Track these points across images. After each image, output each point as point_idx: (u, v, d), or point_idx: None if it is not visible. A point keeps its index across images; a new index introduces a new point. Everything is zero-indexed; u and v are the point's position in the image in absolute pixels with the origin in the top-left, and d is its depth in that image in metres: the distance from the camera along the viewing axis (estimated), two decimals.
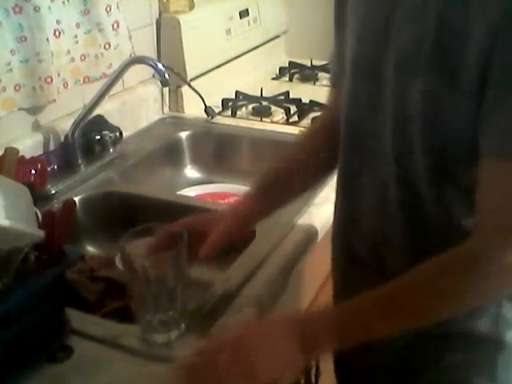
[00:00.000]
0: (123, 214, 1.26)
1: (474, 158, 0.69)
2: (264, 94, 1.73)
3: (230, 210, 0.96)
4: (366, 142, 0.83)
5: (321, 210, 1.17)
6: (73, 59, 1.36)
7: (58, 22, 1.29)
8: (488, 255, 0.67)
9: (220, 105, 1.68)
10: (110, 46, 1.43)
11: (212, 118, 1.61)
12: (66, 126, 1.34)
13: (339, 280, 0.95)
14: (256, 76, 1.90)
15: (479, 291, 0.71)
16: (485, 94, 0.67)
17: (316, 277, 1.19)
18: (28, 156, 1.20)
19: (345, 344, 0.73)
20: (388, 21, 0.76)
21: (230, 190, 1.43)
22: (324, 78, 1.89)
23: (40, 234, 0.77)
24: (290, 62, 2.04)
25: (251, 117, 1.65)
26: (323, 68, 1.93)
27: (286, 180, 0.97)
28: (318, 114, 1.62)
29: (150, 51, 1.62)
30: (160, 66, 1.27)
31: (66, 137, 1.34)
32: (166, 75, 1.26)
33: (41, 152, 1.30)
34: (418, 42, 0.72)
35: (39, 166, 1.20)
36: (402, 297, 0.72)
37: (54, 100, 1.30)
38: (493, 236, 0.68)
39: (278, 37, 2.10)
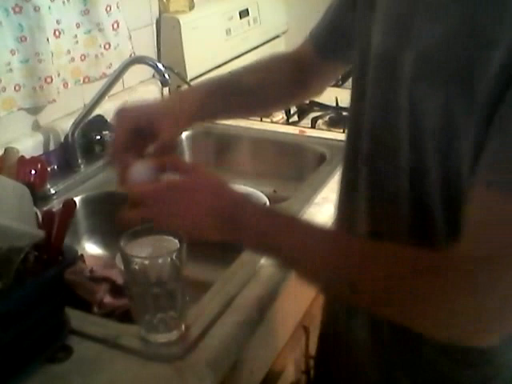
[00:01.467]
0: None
1: None
2: None
3: (179, 101, 0.91)
4: (379, 152, 0.76)
5: (321, 210, 1.17)
6: (73, 59, 1.36)
7: (58, 22, 1.30)
8: (452, 280, 0.61)
9: None
10: (109, 46, 1.43)
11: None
12: (65, 126, 1.34)
13: None
14: None
15: (416, 307, 0.64)
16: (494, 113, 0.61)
17: None
18: (28, 156, 1.20)
19: (268, 251, 0.73)
20: (410, 16, 0.69)
21: None
22: None
23: (40, 233, 0.77)
24: None
25: (251, 117, 1.65)
26: None
27: (247, 93, 0.95)
28: (318, 114, 1.63)
29: (150, 51, 1.62)
30: (160, 66, 1.27)
31: (66, 137, 1.34)
32: (166, 75, 1.26)
33: (41, 152, 1.30)
34: (438, 46, 0.65)
35: (39, 166, 1.20)
36: (353, 254, 0.67)
37: (54, 100, 1.30)
38: (468, 265, 0.61)
39: (277, 37, 2.10)
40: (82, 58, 1.38)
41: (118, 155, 0.82)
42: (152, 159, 0.79)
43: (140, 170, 0.76)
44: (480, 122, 0.62)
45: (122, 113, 0.85)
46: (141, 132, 0.83)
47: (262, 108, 1.09)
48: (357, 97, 0.82)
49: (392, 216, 0.75)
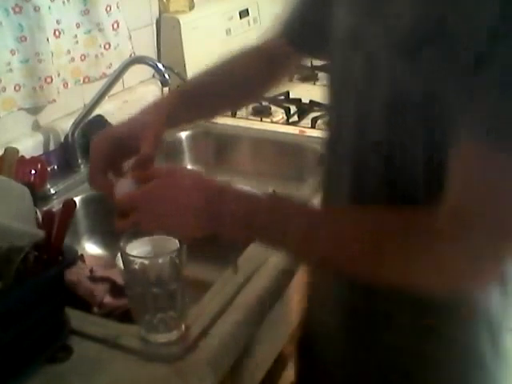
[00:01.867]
0: None
1: None
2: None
3: (154, 110, 0.92)
4: (347, 133, 0.78)
5: None
6: (73, 59, 1.36)
7: (58, 21, 1.30)
8: (450, 232, 0.62)
9: None
10: (110, 46, 1.43)
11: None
12: (65, 126, 1.34)
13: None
14: None
15: (405, 263, 0.66)
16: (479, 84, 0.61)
17: None
18: (28, 156, 1.20)
19: (256, 234, 0.74)
20: None
21: None
22: (324, 78, 1.89)
23: (40, 233, 0.77)
24: None
25: (251, 117, 1.65)
26: (323, 68, 1.93)
27: (218, 90, 0.97)
28: (318, 114, 1.63)
29: (150, 51, 1.62)
30: (160, 66, 1.27)
31: (66, 137, 1.34)
32: (166, 75, 1.26)
33: (41, 152, 1.30)
34: (409, 15, 0.66)
35: (39, 166, 1.20)
36: (332, 222, 0.68)
37: (54, 100, 1.30)
38: (460, 217, 0.62)
39: None
40: (82, 58, 1.38)
41: (95, 179, 0.85)
42: (133, 174, 0.80)
43: (124, 187, 0.77)
44: (463, 81, 0.62)
45: (96, 138, 0.88)
46: (120, 151, 0.86)
47: (234, 105, 1.12)
48: (331, 82, 0.84)
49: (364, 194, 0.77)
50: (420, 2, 0.66)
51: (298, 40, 0.95)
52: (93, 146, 0.87)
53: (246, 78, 0.99)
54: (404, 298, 0.74)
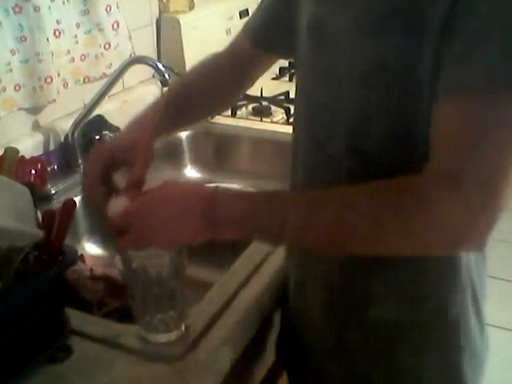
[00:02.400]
0: None
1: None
2: (264, 94, 1.72)
3: (141, 126, 0.93)
4: (323, 116, 0.79)
5: None
6: (73, 59, 1.36)
7: (58, 21, 1.30)
8: (433, 194, 0.63)
9: None
10: (110, 46, 1.43)
11: (212, 117, 1.61)
12: (65, 126, 1.34)
13: None
14: None
15: (405, 228, 0.66)
16: (450, 43, 0.64)
17: None
18: (28, 156, 1.20)
19: (255, 233, 0.75)
20: None
21: None
22: None
23: (40, 233, 0.77)
24: (289, 62, 2.03)
25: (251, 117, 1.65)
26: None
27: (196, 97, 0.99)
28: None
29: (150, 51, 1.62)
30: (160, 66, 1.27)
31: (66, 137, 1.34)
32: (166, 75, 1.26)
33: (41, 152, 1.30)
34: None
35: (39, 166, 1.20)
36: (327, 205, 0.69)
37: (54, 100, 1.30)
38: (449, 173, 0.63)
39: None
40: (82, 58, 1.38)
41: (90, 189, 0.87)
42: (126, 194, 0.80)
43: (117, 207, 0.77)
44: (435, 45, 0.65)
45: (94, 149, 0.91)
46: (112, 164, 0.87)
47: (211, 112, 1.15)
48: (301, 74, 0.85)
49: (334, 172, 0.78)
50: None
51: (264, 41, 0.97)
52: (91, 155, 0.90)
53: (220, 82, 1.01)
54: (395, 273, 0.77)
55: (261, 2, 0.98)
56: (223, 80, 1.01)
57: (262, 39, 0.97)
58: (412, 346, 0.82)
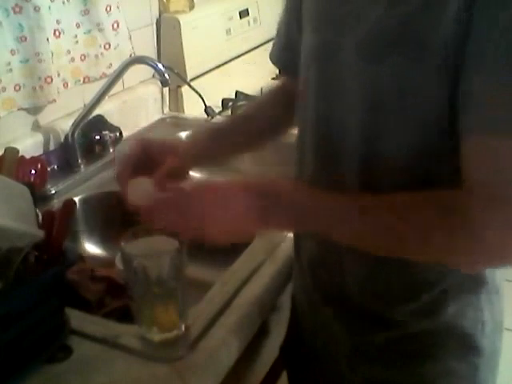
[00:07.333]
0: (123, 214, 1.26)
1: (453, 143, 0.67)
2: None
3: (188, 144, 0.95)
4: (330, 142, 0.79)
5: None
6: (73, 59, 1.36)
7: (58, 21, 1.30)
8: (484, 219, 0.64)
9: (220, 105, 1.68)
10: (110, 46, 1.43)
11: (212, 118, 1.61)
12: (65, 126, 1.34)
13: None
14: (256, 76, 1.90)
15: (454, 249, 0.67)
16: (461, 69, 0.64)
17: None
18: (28, 156, 1.20)
19: (301, 228, 0.78)
20: (344, 8, 0.74)
21: None
22: None
23: (40, 233, 0.77)
24: None
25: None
26: None
27: (245, 130, 1.00)
28: None
29: (150, 51, 1.62)
30: (160, 66, 1.27)
31: (66, 137, 1.34)
32: (166, 75, 1.26)
33: (41, 152, 1.30)
34: (380, 23, 0.69)
35: (39, 166, 1.20)
36: (370, 211, 0.69)
37: (54, 100, 1.30)
38: (487, 193, 0.64)
39: None
40: (82, 58, 1.38)
41: (122, 176, 0.86)
42: (155, 177, 0.80)
43: (137, 187, 0.77)
44: (448, 70, 0.66)
45: (136, 139, 0.92)
46: (149, 157, 0.88)
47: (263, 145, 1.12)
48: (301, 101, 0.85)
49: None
50: (382, 15, 0.69)
51: (289, 67, 0.93)
52: (132, 144, 0.90)
53: (271, 121, 1.01)
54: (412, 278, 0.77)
55: (277, 30, 0.97)
56: (278, 116, 1.01)
57: (288, 67, 0.94)
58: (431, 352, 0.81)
